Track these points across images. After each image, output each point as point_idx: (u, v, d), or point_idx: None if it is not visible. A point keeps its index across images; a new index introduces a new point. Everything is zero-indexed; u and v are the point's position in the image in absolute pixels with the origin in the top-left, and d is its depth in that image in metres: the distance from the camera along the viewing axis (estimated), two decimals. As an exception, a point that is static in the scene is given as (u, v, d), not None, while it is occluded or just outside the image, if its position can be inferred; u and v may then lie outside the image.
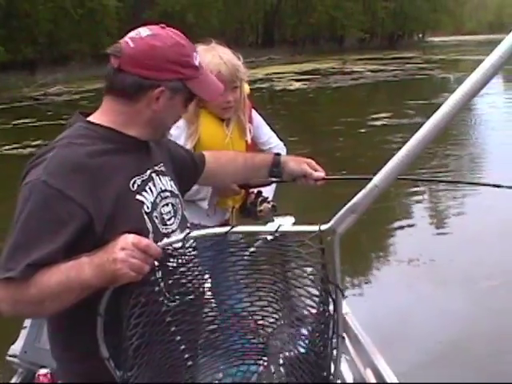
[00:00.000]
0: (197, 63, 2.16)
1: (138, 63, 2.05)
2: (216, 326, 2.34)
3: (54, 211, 1.91)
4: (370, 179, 3.66)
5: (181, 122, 3.26)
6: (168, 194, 2.29)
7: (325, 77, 36.85)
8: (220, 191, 3.44)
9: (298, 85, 32.07)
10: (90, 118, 2.15)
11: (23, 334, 3.57)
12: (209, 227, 3.53)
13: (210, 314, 2.33)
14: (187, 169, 2.61)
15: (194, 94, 2.19)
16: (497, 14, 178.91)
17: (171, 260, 2.05)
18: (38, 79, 40.38)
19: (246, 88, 3.66)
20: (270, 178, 2.87)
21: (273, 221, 3.41)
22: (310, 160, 2.82)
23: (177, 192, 2.37)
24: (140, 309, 1.94)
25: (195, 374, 2.28)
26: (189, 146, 3.28)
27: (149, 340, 2.00)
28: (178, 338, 2.14)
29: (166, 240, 2.03)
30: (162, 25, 2.18)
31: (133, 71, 2.05)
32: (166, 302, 2.09)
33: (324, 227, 1.94)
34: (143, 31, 2.10)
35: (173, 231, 2.24)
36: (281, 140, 3.88)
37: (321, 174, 2.76)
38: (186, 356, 2.20)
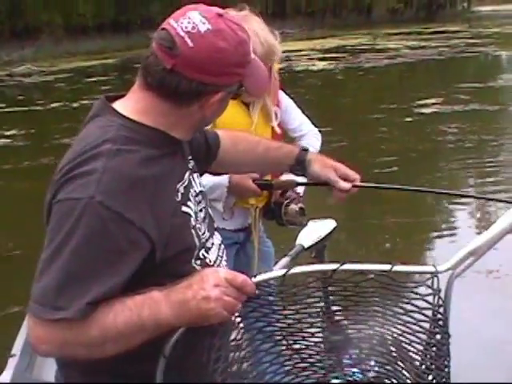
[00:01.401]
0: (253, 55, 2.19)
1: (198, 68, 2.04)
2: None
3: (114, 239, 1.91)
4: (416, 190, 3.74)
5: None
6: (200, 196, 2.34)
7: (353, 55, 36.78)
8: (237, 192, 3.51)
9: (322, 65, 32.05)
10: (127, 113, 2.14)
11: (11, 363, 3.51)
12: (228, 231, 3.64)
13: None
14: (200, 152, 2.62)
15: (251, 92, 2.28)
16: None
17: (263, 296, 2.19)
18: (1, 56, 40.36)
19: (276, 67, 3.71)
20: (292, 173, 2.94)
21: (306, 224, 3.26)
22: (339, 165, 2.82)
23: (204, 190, 2.43)
24: (226, 351, 2.07)
25: None
26: None
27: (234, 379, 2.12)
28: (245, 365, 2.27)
29: (262, 276, 2.07)
30: (218, 10, 2.14)
31: (191, 76, 2.05)
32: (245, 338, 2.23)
33: (441, 268, 2.11)
34: (200, 24, 2.04)
35: (207, 239, 2.29)
36: (315, 126, 3.96)
37: (347, 185, 2.75)
38: None
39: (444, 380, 2.10)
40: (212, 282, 1.87)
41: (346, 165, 2.83)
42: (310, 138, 3.94)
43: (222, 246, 2.41)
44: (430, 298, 2.11)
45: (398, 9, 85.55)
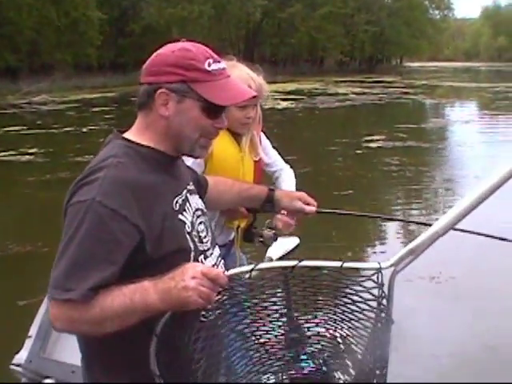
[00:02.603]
0: (208, 68, 2.13)
1: (146, 73, 2.15)
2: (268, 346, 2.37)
3: (110, 231, 1.95)
4: (363, 215, 3.76)
5: None
6: (200, 212, 2.34)
7: (310, 97, 37.15)
8: (228, 214, 3.45)
9: (285, 104, 32.18)
10: (127, 136, 2.21)
11: (28, 343, 3.48)
12: None
13: (264, 335, 2.34)
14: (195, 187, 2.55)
15: (209, 100, 2.14)
16: (473, 42, 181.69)
17: (236, 288, 2.14)
18: (22, 87, 40.14)
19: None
20: (263, 209, 2.93)
21: (276, 240, 3.36)
22: (302, 194, 2.88)
23: (205, 210, 2.42)
24: (205, 332, 2.05)
25: None
26: (200, 161, 3.28)
27: (213, 360, 2.12)
28: (234, 358, 2.26)
29: (232, 270, 2.06)
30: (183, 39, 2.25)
31: (143, 81, 2.15)
32: (225, 324, 2.20)
33: (384, 265, 2.06)
34: (161, 49, 2.20)
35: (208, 248, 2.30)
36: (286, 163, 3.93)
37: (312, 208, 2.83)
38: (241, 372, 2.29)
39: (383, 362, 2.11)
40: (190, 274, 1.88)
41: (307, 192, 2.89)
42: (284, 172, 3.89)
43: (221, 258, 2.42)
44: (375, 291, 2.09)
45: (345, 61, 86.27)
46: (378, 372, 2.13)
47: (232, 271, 2.03)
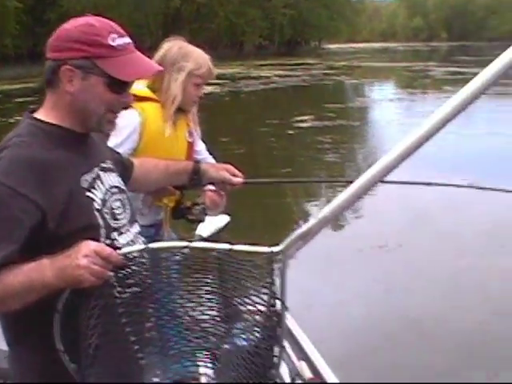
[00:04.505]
0: (112, 43, 2.10)
1: (50, 48, 2.10)
2: (161, 325, 2.33)
3: (8, 209, 1.94)
4: (292, 182, 3.76)
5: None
6: (116, 189, 2.33)
7: (233, 81, 37.02)
8: (154, 192, 3.40)
9: (210, 89, 31.76)
10: (36, 115, 2.19)
11: None
12: (142, 226, 3.27)
13: (157, 313, 2.31)
14: (118, 168, 2.53)
15: (113, 76, 2.12)
16: (389, 23, 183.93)
17: (130, 266, 2.11)
18: None
19: None
20: (191, 184, 2.97)
21: (203, 220, 3.41)
22: (228, 166, 2.96)
23: (124, 187, 2.41)
24: (99, 310, 2.05)
25: (145, 369, 2.30)
26: (135, 137, 3.35)
27: (106, 338, 2.09)
28: (128, 329, 2.20)
29: (125, 249, 2.08)
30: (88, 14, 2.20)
31: (48, 57, 2.10)
32: (120, 298, 2.13)
33: (275, 249, 2.07)
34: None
35: (123, 225, 2.30)
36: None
37: (239, 179, 2.91)
38: (136, 348, 2.25)
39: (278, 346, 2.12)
40: (83, 253, 1.89)
41: (234, 165, 2.98)
42: (209, 161, 3.83)
43: (139, 235, 2.42)
44: (266, 275, 2.08)
45: (264, 45, 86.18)
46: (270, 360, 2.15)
47: (125, 250, 2.05)
